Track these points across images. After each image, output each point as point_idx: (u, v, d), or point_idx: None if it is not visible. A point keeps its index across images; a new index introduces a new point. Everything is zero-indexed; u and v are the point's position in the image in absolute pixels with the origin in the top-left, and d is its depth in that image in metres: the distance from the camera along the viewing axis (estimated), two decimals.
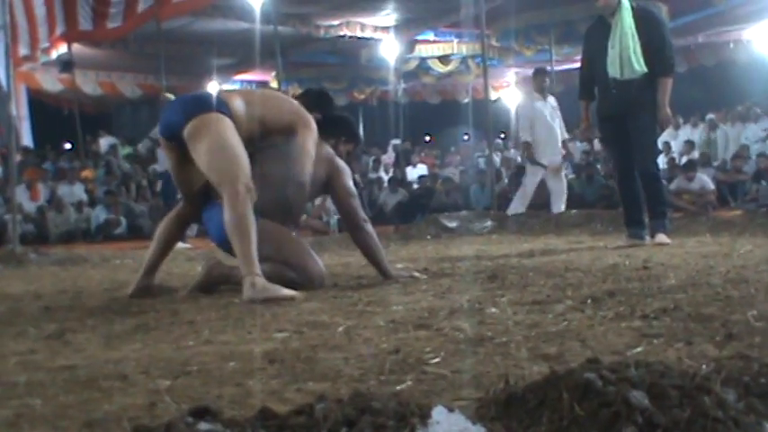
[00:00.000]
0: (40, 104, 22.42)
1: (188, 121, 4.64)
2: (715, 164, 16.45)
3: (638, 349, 2.44)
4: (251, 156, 4.72)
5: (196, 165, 4.69)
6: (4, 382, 2.46)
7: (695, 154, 16.58)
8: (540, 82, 11.22)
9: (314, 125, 5.01)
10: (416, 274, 5.06)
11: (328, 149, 5.17)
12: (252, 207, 4.50)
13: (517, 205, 11.25)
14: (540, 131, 10.97)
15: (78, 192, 16.35)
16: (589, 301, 3.45)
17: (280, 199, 4.93)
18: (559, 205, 11.00)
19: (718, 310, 3.02)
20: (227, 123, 4.64)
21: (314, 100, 5.38)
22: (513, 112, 27.35)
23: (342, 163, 5.16)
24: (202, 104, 4.71)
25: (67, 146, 23.08)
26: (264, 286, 4.28)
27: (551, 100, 11.19)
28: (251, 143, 4.83)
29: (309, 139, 4.93)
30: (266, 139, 4.94)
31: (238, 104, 4.81)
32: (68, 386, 2.37)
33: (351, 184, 5.12)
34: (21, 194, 14.19)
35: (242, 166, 4.56)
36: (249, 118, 4.83)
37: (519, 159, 20.41)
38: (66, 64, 18.84)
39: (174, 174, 4.99)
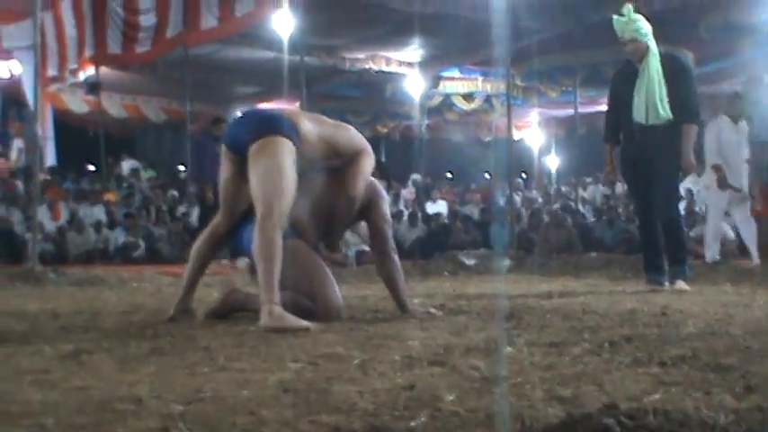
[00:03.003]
0: (65, 125, 22.57)
1: (256, 139, 4.68)
2: None
3: (656, 396, 2.41)
4: (308, 174, 4.87)
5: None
6: (18, 401, 2.46)
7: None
8: (732, 105, 10.49)
9: (373, 155, 5.15)
10: (432, 310, 5.06)
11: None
12: (281, 235, 4.52)
13: (713, 250, 10.45)
14: (727, 157, 10.16)
15: (98, 213, 16.44)
16: (606, 345, 3.43)
17: (325, 215, 5.02)
18: (753, 248, 10.31)
19: (737, 360, 2.99)
20: (289, 149, 4.66)
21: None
22: (535, 151, 27.43)
23: (382, 190, 5.21)
24: (272, 125, 4.73)
25: (90, 167, 23.20)
26: (281, 315, 4.28)
27: (743, 125, 10.39)
28: (318, 162, 4.94)
29: (368, 164, 5.07)
30: (330, 160, 5.00)
31: (308, 126, 4.85)
32: (82, 407, 2.37)
33: (388, 211, 5.17)
34: (42, 213, 14.26)
35: (285, 197, 4.58)
36: (320, 139, 4.88)
37: (540, 199, 20.42)
38: (93, 86, 18.97)
39: (223, 186, 5.01)
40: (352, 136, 5.10)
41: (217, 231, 5.13)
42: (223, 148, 4.97)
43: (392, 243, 5.14)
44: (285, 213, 4.58)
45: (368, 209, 5.14)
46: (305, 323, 4.26)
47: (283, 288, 4.46)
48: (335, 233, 5.18)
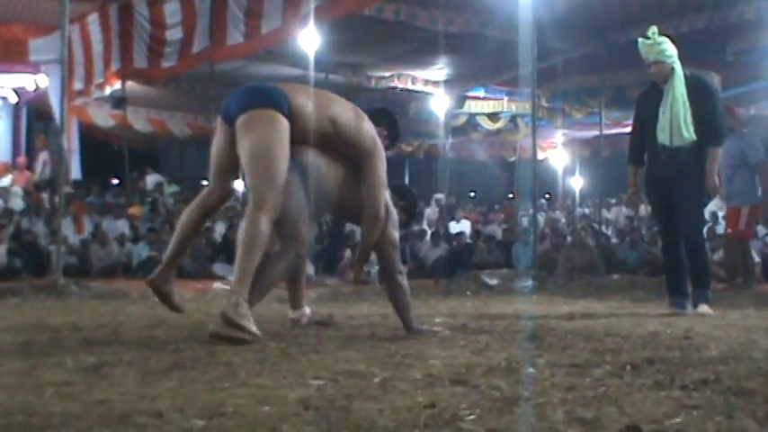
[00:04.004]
0: (90, 139, 22.67)
1: (245, 110, 4.70)
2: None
3: (677, 419, 2.40)
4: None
5: None
6: (40, 412, 2.47)
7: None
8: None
9: (382, 150, 5.12)
10: (437, 328, 5.08)
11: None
12: (271, 223, 4.57)
13: None
14: None
15: (122, 227, 16.47)
16: (628, 367, 3.42)
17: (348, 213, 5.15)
18: None
19: (760, 384, 2.97)
20: (279, 125, 4.66)
21: (380, 115, 5.47)
22: (559, 172, 27.39)
23: (393, 211, 5.17)
24: (262, 98, 4.74)
25: (115, 181, 23.29)
26: (244, 313, 4.38)
27: None
28: (316, 137, 4.88)
29: (380, 165, 5.04)
30: (330, 138, 4.95)
31: (302, 100, 4.82)
32: (103, 420, 2.38)
33: (396, 234, 5.14)
34: (66, 226, 14.31)
35: (277, 178, 4.60)
36: (317, 113, 4.83)
37: (563, 220, 20.39)
38: (118, 100, 19.04)
39: (216, 154, 4.98)
40: (357, 118, 5.05)
41: (209, 201, 5.11)
42: (219, 119, 4.95)
43: (399, 266, 5.14)
44: (278, 200, 4.59)
45: None
46: (257, 333, 4.37)
47: None
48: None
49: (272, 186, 4.58)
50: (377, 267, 13.05)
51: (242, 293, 4.43)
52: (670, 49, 6.82)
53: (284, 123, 4.68)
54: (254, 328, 4.38)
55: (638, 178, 7.25)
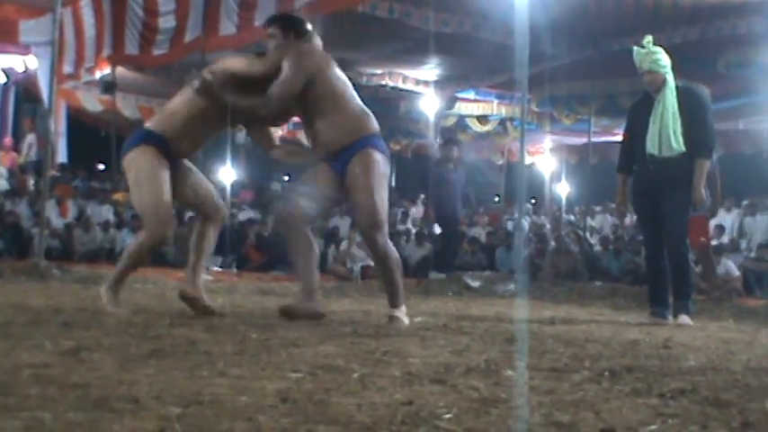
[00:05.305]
0: (77, 123, 22.58)
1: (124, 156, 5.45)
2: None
3: (653, 427, 2.41)
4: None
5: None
6: (16, 394, 2.47)
7: (725, 239, 16.43)
8: None
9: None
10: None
11: None
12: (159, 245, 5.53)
13: None
14: None
15: (106, 212, 16.44)
16: (606, 373, 3.42)
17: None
18: None
19: (736, 396, 2.98)
20: (144, 157, 5.34)
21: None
22: (546, 177, 27.42)
23: None
24: (126, 146, 5.51)
25: (101, 166, 23.21)
26: (112, 298, 5.32)
27: None
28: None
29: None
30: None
31: (163, 120, 5.54)
32: (79, 404, 2.37)
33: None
34: (50, 210, 14.28)
35: (158, 204, 5.25)
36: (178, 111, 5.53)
37: (548, 225, 20.41)
38: (108, 85, 18.95)
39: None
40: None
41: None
42: None
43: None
44: (165, 222, 5.26)
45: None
46: (116, 312, 5.16)
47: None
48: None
49: (155, 215, 5.23)
50: (360, 264, 13.09)
51: (112, 286, 5.36)
52: (664, 59, 6.83)
53: (149, 152, 5.37)
54: (113, 308, 5.22)
55: (626, 187, 7.25)
